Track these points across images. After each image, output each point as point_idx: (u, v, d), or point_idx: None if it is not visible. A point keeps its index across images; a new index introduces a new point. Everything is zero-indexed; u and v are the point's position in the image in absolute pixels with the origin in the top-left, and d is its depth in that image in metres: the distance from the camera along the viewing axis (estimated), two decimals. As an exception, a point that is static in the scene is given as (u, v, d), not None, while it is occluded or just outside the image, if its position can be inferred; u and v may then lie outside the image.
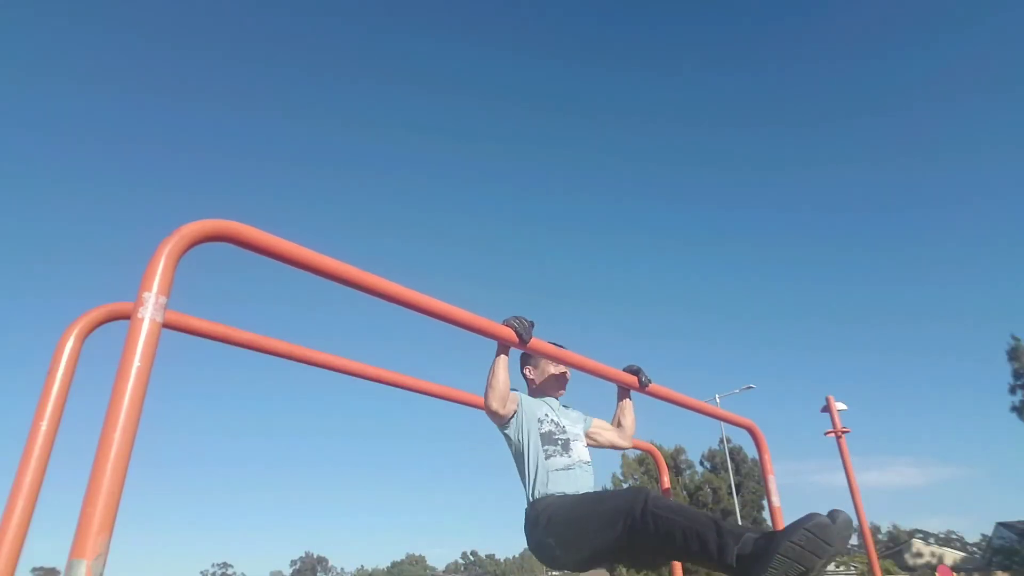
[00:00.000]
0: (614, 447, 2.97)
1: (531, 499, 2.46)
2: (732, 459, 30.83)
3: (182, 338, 2.36)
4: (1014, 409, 27.66)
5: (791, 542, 1.82)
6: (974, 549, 52.77)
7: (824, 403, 8.20)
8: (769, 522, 2.83)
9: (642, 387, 2.92)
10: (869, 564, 6.96)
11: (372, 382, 2.99)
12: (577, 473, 2.54)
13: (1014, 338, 27.78)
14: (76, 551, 1.23)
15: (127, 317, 2.08)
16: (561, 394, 2.90)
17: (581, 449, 2.67)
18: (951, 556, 46.48)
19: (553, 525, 2.32)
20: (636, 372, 2.91)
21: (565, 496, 2.41)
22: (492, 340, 2.42)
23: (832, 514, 1.91)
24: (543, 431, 2.59)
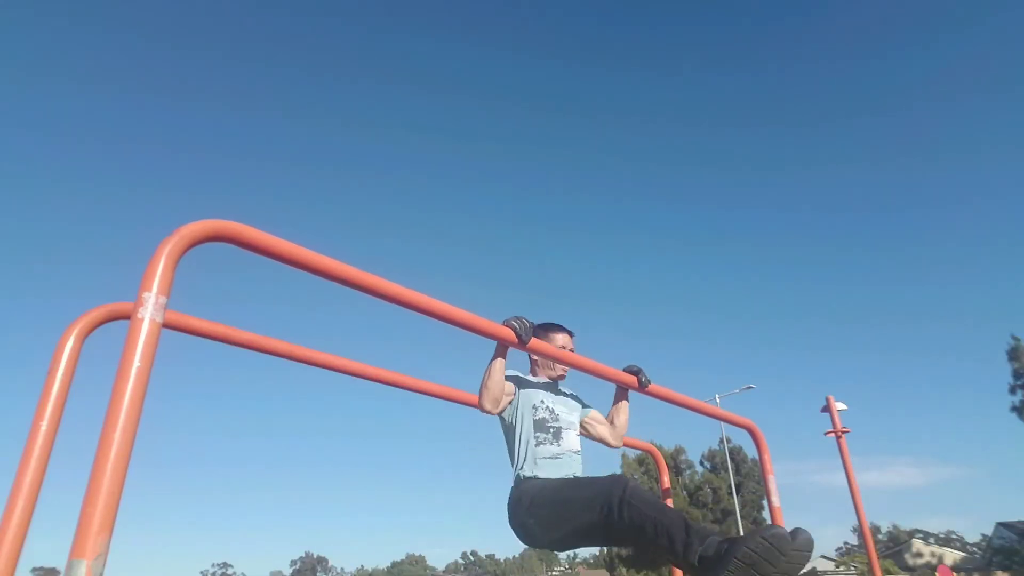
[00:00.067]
0: (604, 443, 2.98)
1: (517, 479, 2.55)
2: (732, 459, 30.84)
3: (182, 338, 2.37)
4: (1014, 409, 27.70)
5: (748, 548, 1.89)
6: (974, 549, 52.85)
7: (824, 403, 8.21)
8: (769, 522, 2.84)
9: (642, 387, 2.93)
10: (869, 564, 6.96)
11: (372, 382, 3.00)
12: (565, 461, 2.60)
13: (1014, 338, 27.83)
14: (76, 551, 1.23)
15: (127, 317, 2.09)
16: (562, 378, 2.91)
17: (573, 438, 2.72)
18: (951, 556, 46.49)
19: (535, 507, 2.41)
20: (636, 372, 2.92)
21: (550, 480, 2.50)
22: (492, 340, 2.42)
23: (795, 531, 1.98)
24: (537, 417, 2.64)
